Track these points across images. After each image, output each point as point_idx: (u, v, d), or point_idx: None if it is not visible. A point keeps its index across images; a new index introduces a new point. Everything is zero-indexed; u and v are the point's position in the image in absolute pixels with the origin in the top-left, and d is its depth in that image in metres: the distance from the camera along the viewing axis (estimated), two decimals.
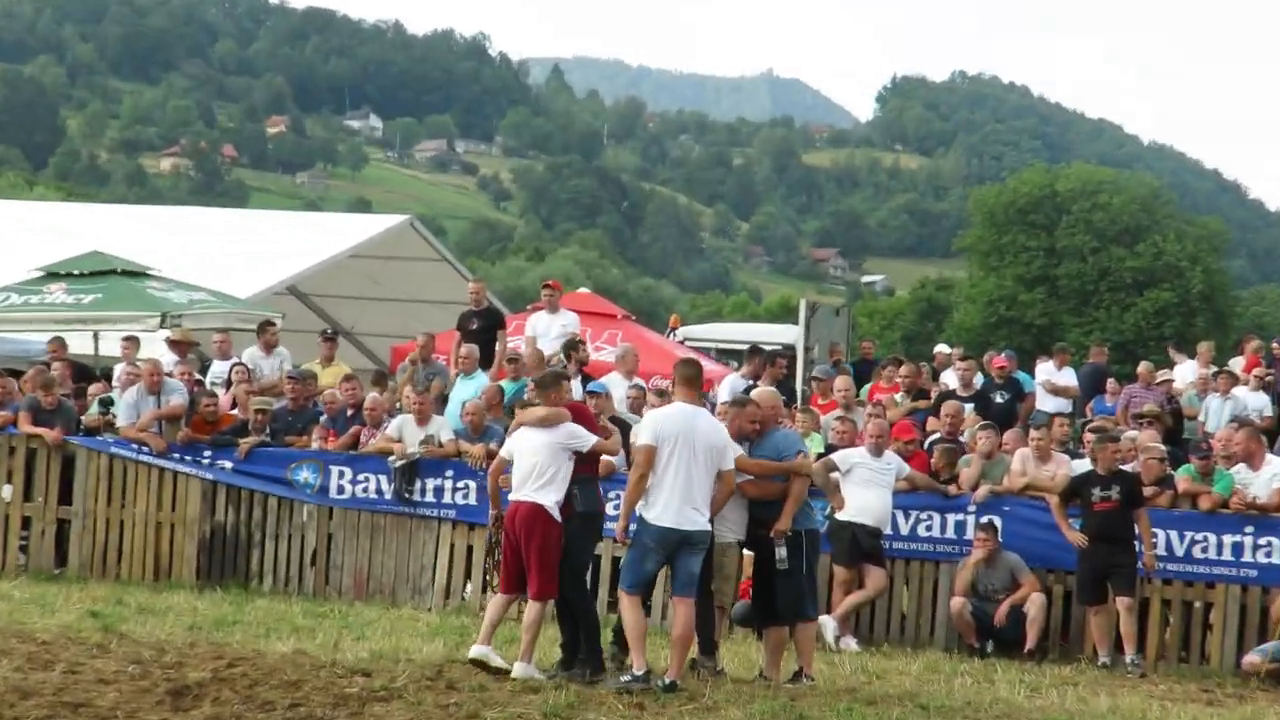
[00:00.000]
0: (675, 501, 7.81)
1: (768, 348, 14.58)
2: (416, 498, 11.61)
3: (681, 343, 19.43)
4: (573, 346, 13.44)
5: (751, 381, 13.27)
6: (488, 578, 9.07)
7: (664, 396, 10.19)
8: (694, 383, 8.21)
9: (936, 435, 12.03)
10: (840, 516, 10.45)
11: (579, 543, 8.31)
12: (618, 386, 12.77)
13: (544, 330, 14.54)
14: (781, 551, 8.20)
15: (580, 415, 8.54)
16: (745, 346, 14.80)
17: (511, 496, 8.29)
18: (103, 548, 12.12)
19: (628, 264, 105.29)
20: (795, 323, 19.83)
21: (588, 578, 8.83)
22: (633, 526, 8.05)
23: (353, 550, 11.77)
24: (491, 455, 10.50)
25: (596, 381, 11.95)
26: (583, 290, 21.46)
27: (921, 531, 10.94)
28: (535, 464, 8.16)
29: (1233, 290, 55.58)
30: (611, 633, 8.37)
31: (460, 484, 11.54)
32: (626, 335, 16.74)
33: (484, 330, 14.47)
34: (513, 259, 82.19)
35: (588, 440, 8.29)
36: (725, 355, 19.34)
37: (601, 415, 10.32)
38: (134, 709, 6.80)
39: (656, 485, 7.85)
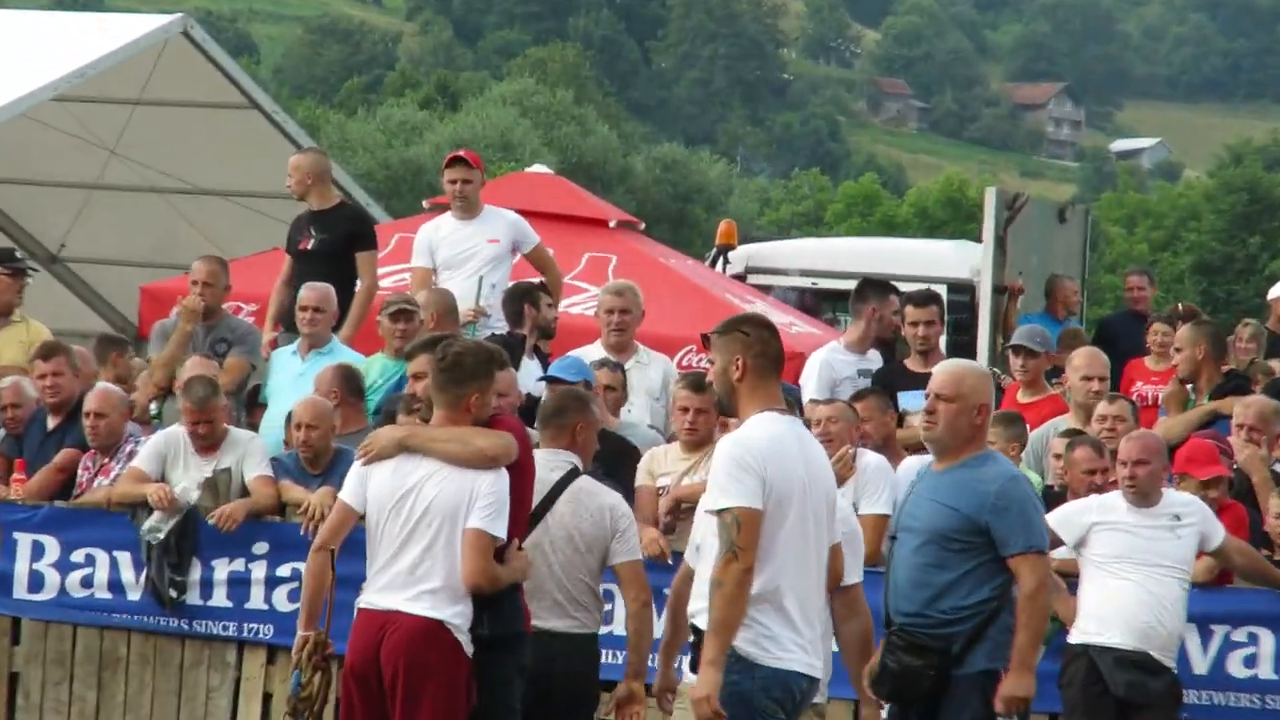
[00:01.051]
0: (799, 621, 8.15)
1: (908, 288, 14.51)
2: (194, 599, 11.76)
3: (741, 278, 19.47)
4: (527, 295, 13.46)
5: (868, 357, 13.47)
6: None
7: (704, 393, 10.26)
8: (776, 368, 8.35)
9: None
10: (1075, 638, 10.55)
11: (495, 691, 8.60)
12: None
13: (454, 253, 14.57)
14: None
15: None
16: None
17: (366, 599, 8.45)
18: None
19: (630, 115, 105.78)
20: (974, 238, 19.87)
21: None
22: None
23: (59, 704, 11.95)
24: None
25: (567, 359, 11.96)
26: (539, 168, 21.53)
27: (1237, 669, 11.08)
28: (428, 537, 8.33)
29: None
30: None
31: (283, 569, 11.74)
32: (625, 263, 16.79)
33: (333, 253, 14.51)
34: (394, 105, 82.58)
35: (499, 522, 8.49)
36: (826, 302, 19.38)
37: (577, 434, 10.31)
38: None
39: (766, 590, 8.08)
